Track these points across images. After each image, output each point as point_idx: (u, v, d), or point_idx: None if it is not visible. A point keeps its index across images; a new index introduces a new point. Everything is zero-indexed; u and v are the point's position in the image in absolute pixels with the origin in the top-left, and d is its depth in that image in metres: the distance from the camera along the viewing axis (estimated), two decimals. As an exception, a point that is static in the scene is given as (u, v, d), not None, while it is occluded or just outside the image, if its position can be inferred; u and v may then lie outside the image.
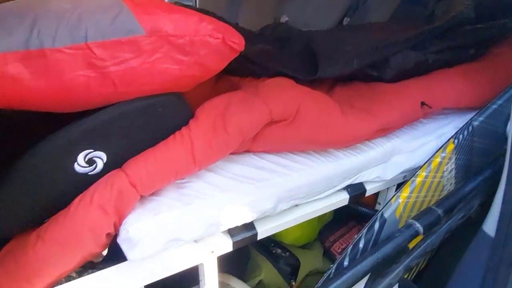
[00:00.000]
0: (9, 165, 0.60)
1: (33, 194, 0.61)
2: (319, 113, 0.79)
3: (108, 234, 0.63)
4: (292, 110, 0.76)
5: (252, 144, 0.79)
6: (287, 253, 1.09)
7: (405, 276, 0.94)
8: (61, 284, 0.64)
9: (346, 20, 1.86)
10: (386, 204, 0.88)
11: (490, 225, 0.90)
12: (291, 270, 1.08)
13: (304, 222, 1.11)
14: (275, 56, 1.02)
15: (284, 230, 1.09)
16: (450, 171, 1.01)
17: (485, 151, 1.06)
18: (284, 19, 1.93)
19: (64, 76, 0.55)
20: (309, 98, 0.80)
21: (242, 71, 1.01)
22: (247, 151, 0.82)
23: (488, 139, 1.04)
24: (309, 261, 1.08)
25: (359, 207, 1.00)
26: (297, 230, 1.09)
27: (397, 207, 0.90)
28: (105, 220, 0.61)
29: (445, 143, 0.95)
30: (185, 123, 0.70)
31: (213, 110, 0.72)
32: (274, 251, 1.10)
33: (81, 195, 0.61)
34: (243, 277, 1.04)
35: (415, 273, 1.28)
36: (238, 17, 1.81)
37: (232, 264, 1.03)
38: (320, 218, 1.16)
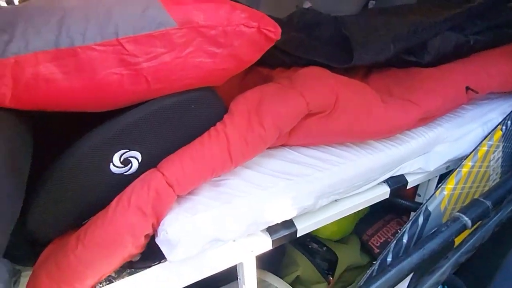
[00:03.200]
0: (47, 167, 0.59)
1: (70, 196, 0.60)
2: (359, 103, 0.75)
3: (146, 235, 0.62)
4: (331, 101, 0.71)
5: (289, 138, 0.76)
6: (324, 248, 1.06)
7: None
8: (101, 286, 0.63)
9: (371, 4, 1.78)
10: (431, 197, 0.83)
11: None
12: (328, 265, 1.05)
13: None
14: (306, 44, 0.97)
15: (320, 224, 1.06)
16: (497, 160, 0.95)
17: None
18: (307, 5, 1.87)
19: (96, 75, 0.53)
20: (347, 88, 0.75)
21: (271, 61, 0.97)
22: (284, 145, 0.78)
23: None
24: (347, 256, 1.04)
25: (398, 199, 0.96)
26: (333, 225, 1.05)
27: (442, 200, 0.85)
28: (144, 222, 0.59)
29: (493, 130, 0.89)
30: (219, 118, 0.68)
31: (247, 104, 0.68)
32: (310, 246, 1.07)
33: (118, 196, 0.60)
34: (278, 273, 1.02)
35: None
36: (259, 5, 1.76)
37: (267, 259, 1.01)
38: (357, 212, 1.12)
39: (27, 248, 0.71)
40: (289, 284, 0.99)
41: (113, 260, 0.59)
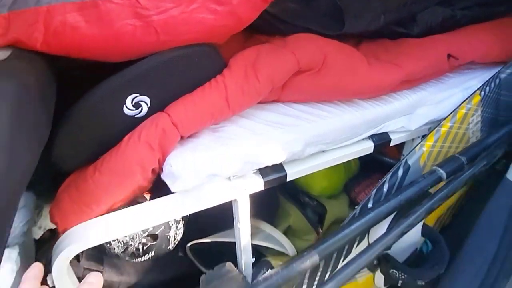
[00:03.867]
0: (70, 109, 0.68)
1: (89, 133, 0.70)
2: (345, 62, 0.83)
3: (153, 170, 0.72)
4: (319, 59, 0.80)
5: (281, 93, 0.85)
6: (315, 202, 1.15)
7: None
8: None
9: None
10: (411, 151, 0.92)
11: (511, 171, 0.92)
12: (318, 218, 1.15)
13: (331, 173, 1.17)
14: (301, 13, 1.04)
15: (312, 180, 1.16)
16: (476, 123, 1.03)
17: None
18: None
19: (114, 25, 0.62)
20: (335, 49, 0.83)
21: (269, 30, 1.05)
22: (277, 101, 0.87)
23: (516, 92, 1.04)
24: (335, 210, 1.14)
25: (383, 157, 1.04)
26: (323, 180, 1.14)
27: (421, 155, 0.93)
28: (151, 155, 0.69)
29: (471, 94, 0.97)
30: (220, 72, 0.76)
31: (244, 60, 0.77)
32: (302, 200, 1.17)
33: (130, 133, 0.70)
34: (273, 224, 1.12)
35: (439, 229, 1.32)
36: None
37: (264, 213, 1.12)
38: (347, 170, 1.21)
39: (49, 183, 0.82)
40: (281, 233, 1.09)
41: (125, 187, 0.69)
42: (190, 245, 1.07)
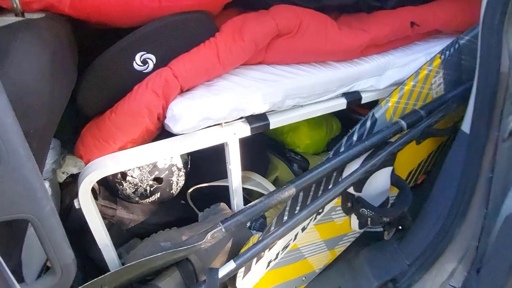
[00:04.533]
0: (91, 64, 0.84)
1: (106, 84, 0.87)
2: (318, 27, 0.98)
3: (158, 116, 0.88)
4: (295, 24, 0.95)
5: (265, 55, 1.00)
6: (299, 157, 1.32)
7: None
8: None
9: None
10: (377, 106, 1.07)
11: (466, 124, 1.07)
12: (302, 171, 1.31)
13: (313, 132, 1.33)
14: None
15: (297, 138, 1.32)
16: (439, 84, 1.18)
17: (473, 69, 1.20)
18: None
19: (125, -9, 0.78)
20: (310, 15, 0.98)
21: (258, 5, 1.19)
22: (262, 62, 1.03)
23: (474, 58, 1.18)
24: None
25: (356, 114, 1.19)
26: (307, 138, 1.31)
27: (387, 110, 1.08)
28: (156, 101, 0.85)
29: (432, 57, 1.11)
30: (213, 35, 0.92)
31: (233, 25, 0.92)
32: (288, 155, 1.33)
33: (139, 84, 0.86)
34: (263, 176, 1.29)
35: (412, 184, 1.47)
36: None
37: (256, 169, 1.28)
38: (329, 131, 1.37)
39: (71, 136, 0.99)
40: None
41: (136, 128, 0.86)
42: (190, 191, 1.23)
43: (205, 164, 1.24)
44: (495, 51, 0.91)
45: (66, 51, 0.72)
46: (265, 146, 1.40)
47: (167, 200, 1.19)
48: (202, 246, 0.88)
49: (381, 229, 1.41)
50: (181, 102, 0.87)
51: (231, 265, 0.90)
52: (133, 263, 0.81)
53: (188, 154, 1.17)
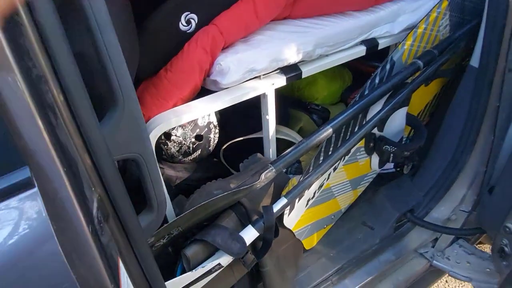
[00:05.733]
0: (142, 25, 0.90)
1: (157, 44, 0.93)
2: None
3: (206, 71, 0.95)
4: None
5: (291, 9, 1.07)
6: (319, 107, 1.42)
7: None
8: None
9: None
10: (394, 49, 1.17)
11: (475, 59, 1.19)
12: (322, 121, 1.42)
13: (329, 84, 1.42)
14: None
15: (315, 91, 1.41)
16: (445, 26, 1.28)
17: (475, 9, 1.31)
18: None
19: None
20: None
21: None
22: (289, 17, 1.10)
23: (476, -2, 1.28)
24: (336, 112, 1.39)
25: (372, 62, 1.29)
26: (324, 90, 1.40)
27: (403, 53, 1.18)
28: (206, 57, 0.92)
29: (440, 0, 1.21)
30: (246, -7, 0.98)
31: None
32: (309, 107, 1.43)
33: (189, 41, 0.92)
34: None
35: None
36: None
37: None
38: (342, 82, 1.47)
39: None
40: (296, 134, 1.36)
41: (188, 83, 0.93)
42: (224, 148, 1.32)
43: (232, 123, 1.33)
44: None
45: (129, 13, 0.78)
46: (285, 102, 1.49)
47: (204, 158, 1.28)
48: (257, 186, 0.98)
49: (393, 170, 1.55)
50: (227, 57, 0.94)
51: (283, 201, 1.01)
52: (201, 203, 0.91)
53: (220, 113, 1.25)
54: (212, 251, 0.95)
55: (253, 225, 0.98)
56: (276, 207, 1.00)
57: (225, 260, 0.95)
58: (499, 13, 1.02)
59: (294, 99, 1.50)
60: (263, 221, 0.98)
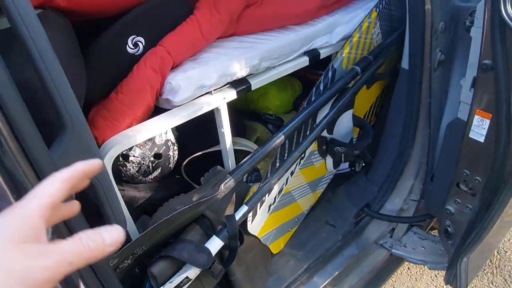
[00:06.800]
0: (88, 50, 0.92)
1: (105, 70, 0.95)
2: (278, -6, 1.14)
3: (157, 91, 0.98)
4: (260, -6, 1.10)
5: (236, 27, 1.14)
6: (273, 117, 1.49)
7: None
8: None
9: None
10: (334, 58, 1.26)
11: (405, 62, 1.31)
12: (277, 129, 1.48)
13: (281, 94, 1.50)
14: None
15: (268, 101, 1.48)
16: (377, 34, 1.40)
17: (401, 18, 1.44)
18: None
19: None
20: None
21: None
22: (234, 34, 1.16)
23: (400, 8, 1.41)
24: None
25: (316, 71, 1.38)
26: (276, 100, 1.48)
27: (342, 60, 1.28)
28: (155, 77, 0.95)
29: (370, 11, 1.33)
30: (191, 13, 1.03)
31: (206, 1, 1.05)
32: (264, 117, 1.49)
33: (138, 63, 0.95)
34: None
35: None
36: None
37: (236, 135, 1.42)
38: (293, 91, 1.55)
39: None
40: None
41: (140, 104, 0.96)
42: (184, 164, 1.35)
43: (190, 138, 1.36)
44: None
45: (74, 40, 0.80)
46: (241, 115, 1.55)
47: (166, 176, 1.30)
48: (218, 197, 1.02)
49: (349, 169, 1.65)
50: (177, 76, 0.98)
51: (244, 208, 1.06)
52: (162, 220, 0.93)
53: (177, 130, 1.28)
54: (179, 266, 0.97)
55: (217, 235, 1.01)
56: (238, 215, 1.04)
57: (192, 272, 0.97)
58: (418, 20, 1.15)
59: (250, 112, 1.56)
60: (227, 230, 1.01)
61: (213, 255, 0.99)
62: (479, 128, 1.00)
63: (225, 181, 1.03)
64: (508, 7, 0.75)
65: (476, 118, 0.99)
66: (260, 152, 1.07)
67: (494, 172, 0.99)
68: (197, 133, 1.36)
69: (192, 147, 1.38)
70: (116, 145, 0.91)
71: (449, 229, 1.24)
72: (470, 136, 1.03)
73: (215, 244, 1.00)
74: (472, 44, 0.97)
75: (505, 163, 0.95)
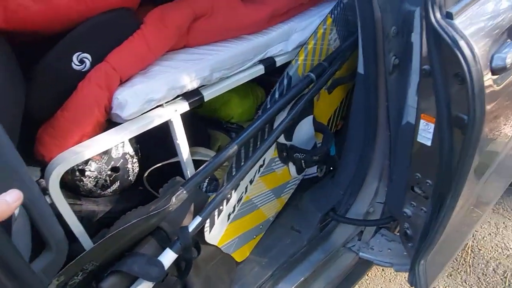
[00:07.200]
0: (32, 70, 0.92)
1: (51, 88, 0.95)
2: (228, 6, 1.15)
3: (105, 107, 0.98)
4: (209, 7, 1.11)
5: (187, 39, 1.15)
6: (234, 125, 1.50)
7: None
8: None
9: None
10: (289, 65, 1.28)
11: (360, 67, 1.32)
12: (240, 137, 1.49)
13: (243, 102, 1.51)
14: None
15: (230, 110, 1.49)
16: (335, 39, 1.42)
17: (355, 23, 1.46)
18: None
19: (52, 0, 0.87)
20: (219, -2, 1.15)
21: None
22: (186, 46, 1.17)
23: (355, 13, 1.43)
24: (251, 127, 1.48)
25: (273, 78, 1.40)
26: (238, 108, 1.49)
27: (297, 67, 1.30)
28: (101, 93, 0.95)
29: (325, 18, 1.34)
30: (138, 28, 1.04)
31: (153, 15, 1.06)
32: (225, 126, 1.50)
33: (83, 80, 0.95)
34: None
35: (334, 130, 1.73)
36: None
37: (199, 144, 1.43)
38: (255, 99, 1.56)
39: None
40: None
41: (88, 120, 0.96)
42: (146, 176, 1.35)
43: (153, 149, 1.36)
44: (368, 2, 1.14)
45: (14, 62, 0.80)
46: (204, 124, 1.55)
47: (127, 188, 1.30)
48: (169, 209, 1.02)
49: (316, 173, 1.66)
50: (124, 91, 0.98)
51: (197, 219, 1.06)
52: (111, 234, 0.93)
53: (137, 142, 1.28)
54: (131, 281, 0.97)
55: (170, 248, 1.01)
56: (192, 227, 1.04)
57: (145, 286, 0.97)
58: (368, 25, 1.16)
59: (212, 120, 1.57)
60: (179, 242, 1.02)
61: (166, 268, 0.99)
62: (425, 132, 1.01)
63: (177, 193, 1.03)
64: (437, 14, 0.77)
65: (422, 122, 1.01)
66: (213, 163, 1.08)
67: (441, 176, 1.00)
68: (160, 143, 1.36)
69: (156, 158, 1.38)
70: (62, 162, 0.91)
71: (408, 231, 1.26)
72: (418, 140, 1.05)
73: (168, 257, 1.00)
74: (414, 49, 0.99)
75: (450, 167, 0.97)
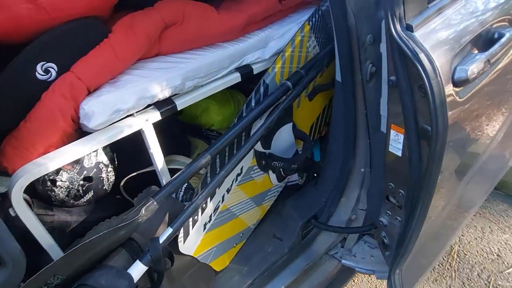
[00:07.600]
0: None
1: (15, 97, 0.93)
2: (200, 14, 1.13)
3: (72, 117, 0.97)
4: (179, 14, 1.09)
5: (159, 47, 1.13)
6: (214, 133, 1.48)
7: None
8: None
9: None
10: (266, 73, 1.26)
11: (338, 74, 1.31)
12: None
13: (223, 109, 1.49)
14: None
15: (209, 117, 1.47)
16: (314, 47, 1.40)
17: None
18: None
19: (13, 10, 0.85)
20: (191, 6, 1.13)
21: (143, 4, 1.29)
22: (159, 54, 1.16)
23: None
24: (231, 134, 1.47)
25: (251, 85, 1.39)
26: (218, 115, 1.47)
27: (274, 75, 1.28)
28: (66, 103, 0.94)
29: (302, 25, 1.33)
30: (105, 37, 1.02)
31: (122, 23, 1.04)
32: (205, 134, 1.49)
33: (47, 90, 0.94)
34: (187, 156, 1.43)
35: (317, 136, 1.71)
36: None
37: (178, 152, 1.41)
38: (236, 105, 1.55)
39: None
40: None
41: (53, 131, 0.94)
42: (122, 184, 1.33)
43: (131, 157, 1.35)
44: (341, 10, 1.13)
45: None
46: (184, 131, 1.54)
47: (103, 197, 1.28)
48: (139, 220, 1.00)
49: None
50: (90, 101, 0.97)
51: (168, 230, 1.04)
52: (78, 245, 0.91)
53: (113, 150, 1.27)
54: (98, 294, 0.95)
55: (140, 260, 0.99)
56: (163, 238, 1.03)
57: (113, 300, 0.95)
58: (343, 33, 1.15)
59: (192, 128, 1.55)
60: (149, 253, 1.00)
61: (135, 280, 0.98)
62: (396, 142, 1.00)
63: (147, 204, 1.01)
64: (398, 26, 0.76)
65: (392, 132, 1.00)
66: (185, 173, 1.06)
67: (411, 186, 0.99)
68: (139, 151, 1.35)
69: (135, 166, 1.37)
70: (25, 174, 0.90)
71: (385, 240, 1.25)
72: (389, 150, 1.03)
73: (137, 269, 0.99)
74: (382, 59, 0.97)
75: (419, 177, 0.95)
